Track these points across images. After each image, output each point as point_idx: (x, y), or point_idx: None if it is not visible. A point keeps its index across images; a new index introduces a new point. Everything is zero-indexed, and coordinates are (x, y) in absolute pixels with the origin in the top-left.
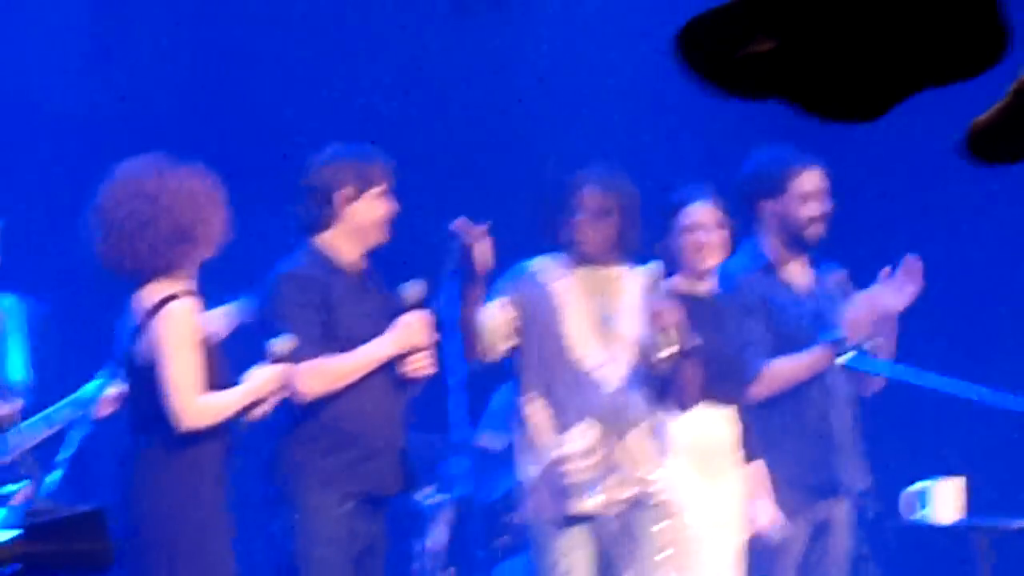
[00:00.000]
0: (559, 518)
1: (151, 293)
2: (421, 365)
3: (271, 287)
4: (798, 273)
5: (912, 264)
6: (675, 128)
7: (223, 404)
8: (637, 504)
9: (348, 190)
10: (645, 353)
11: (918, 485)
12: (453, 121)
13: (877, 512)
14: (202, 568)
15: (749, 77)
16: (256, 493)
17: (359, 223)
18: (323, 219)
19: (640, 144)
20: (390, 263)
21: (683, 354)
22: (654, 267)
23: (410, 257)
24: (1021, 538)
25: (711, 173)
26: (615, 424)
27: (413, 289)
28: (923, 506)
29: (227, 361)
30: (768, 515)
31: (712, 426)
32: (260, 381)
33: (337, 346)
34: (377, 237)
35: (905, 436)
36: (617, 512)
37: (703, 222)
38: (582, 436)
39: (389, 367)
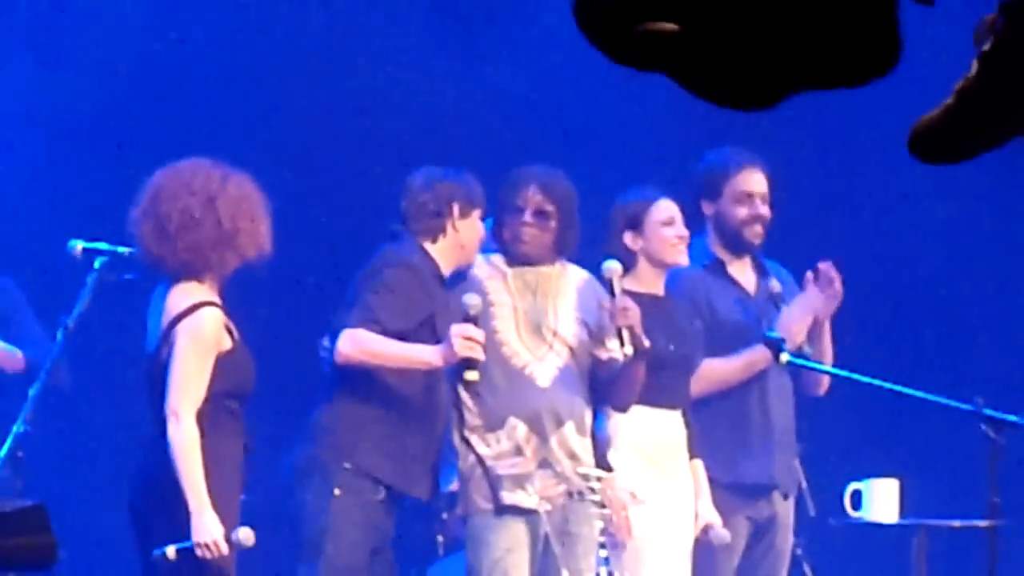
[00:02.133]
0: (492, 510)
1: (183, 293)
2: (477, 375)
3: (388, 262)
4: (742, 273)
5: (827, 270)
6: (631, 127)
7: (188, 434)
8: (574, 501)
9: (460, 207)
10: (586, 350)
11: (855, 485)
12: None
13: (815, 511)
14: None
15: (643, 50)
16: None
17: (462, 240)
18: (433, 230)
19: (596, 145)
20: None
21: (636, 355)
22: (612, 265)
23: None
24: (957, 537)
25: (665, 174)
26: (547, 421)
27: (473, 300)
28: (860, 506)
29: (251, 363)
30: (707, 515)
31: (663, 427)
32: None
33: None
34: (469, 257)
35: (842, 436)
36: (553, 508)
37: (677, 217)
38: (511, 433)
39: (451, 375)
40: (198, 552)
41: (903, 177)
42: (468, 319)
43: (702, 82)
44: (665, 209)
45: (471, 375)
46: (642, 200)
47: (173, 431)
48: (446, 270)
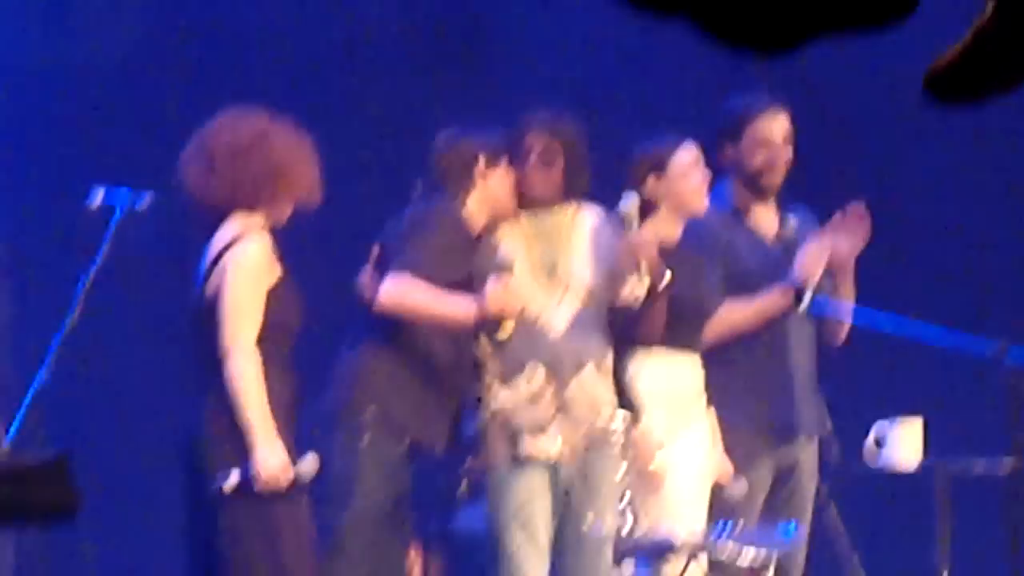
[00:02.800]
0: (512, 460)
1: (230, 226)
2: (507, 334)
3: (430, 218)
4: (764, 219)
5: (857, 210)
6: (654, 73)
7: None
8: (594, 447)
9: (486, 158)
10: (604, 292)
11: (878, 428)
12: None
13: (839, 455)
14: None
15: None
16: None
17: (495, 192)
18: (463, 187)
19: (617, 90)
20: None
21: (653, 291)
22: (631, 202)
23: None
24: (980, 479)
25: (691, 119)
26: (564, 367)
27: (509, 257)
28: (883, 449)
29: (300, 298)
30: (721, 464)
31: (680, 371)
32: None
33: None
34: (506, 209)
35: (865, 379)
36: (573, 455)
37: (701, 160)
38: (528, 381)
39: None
40: (261, 486)
41: (924, 117)
42: (502, 271)
43: (722, 28)
44: (690, 152)
45: (505, 331)
46: (666, 144)
47: (232, 366)
48: (480, 226)
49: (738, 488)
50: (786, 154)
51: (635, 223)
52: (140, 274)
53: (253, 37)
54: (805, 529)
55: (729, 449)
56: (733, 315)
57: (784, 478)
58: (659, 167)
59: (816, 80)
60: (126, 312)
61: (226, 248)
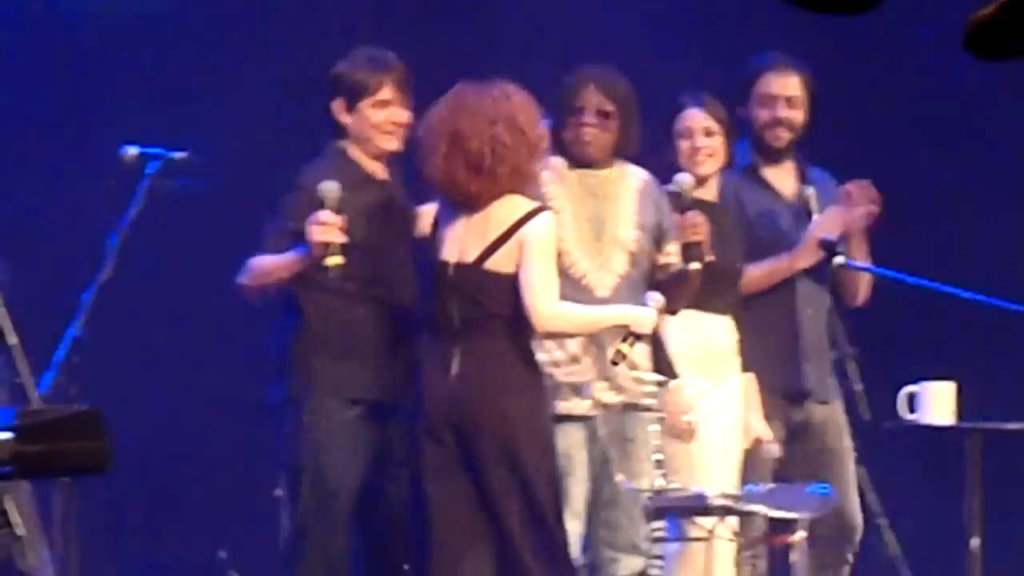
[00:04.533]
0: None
1: (510, 203)
2: (336, 261)
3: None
4: (780, 179)
5: (863, 183)
6: (681, 33)
7: (577, 317)
8: (631, 408)
9: (340, 101)
10: (646, 255)
11: (910, 388)
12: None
13: (871, 415)
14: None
15: None
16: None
17: (357, 133)
18: (334, 128)
19: (644, 49)
20: None
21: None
22: (684, 178)
23: None
24: (1012, 439)
25: (715, 78)
26: (605, 331)
27: (328, 187)
28: (915, 409)
29: None
30: (758, 429)
31: (713, 332)
32: (621, 314)
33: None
34: (382, 146)
35: (897, 339)
36: (610, 415)
37: (695, 128)
38: (567, 343)
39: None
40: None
41: (956, 74)
42: (323, 206)
43: None
44: (683, 119)
45: (332, 260)
46: (671, 109)
47: (553, 327)
48: (368, 164)
49: (769, 451)
50: (789, 113)
51: (688, 200)
52: (173, 227)
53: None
54: (844, 489)
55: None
56: (750, 276)
57: (797, 436)
58: (667, 132)
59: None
60: (160, 265)
61: (518, 224)
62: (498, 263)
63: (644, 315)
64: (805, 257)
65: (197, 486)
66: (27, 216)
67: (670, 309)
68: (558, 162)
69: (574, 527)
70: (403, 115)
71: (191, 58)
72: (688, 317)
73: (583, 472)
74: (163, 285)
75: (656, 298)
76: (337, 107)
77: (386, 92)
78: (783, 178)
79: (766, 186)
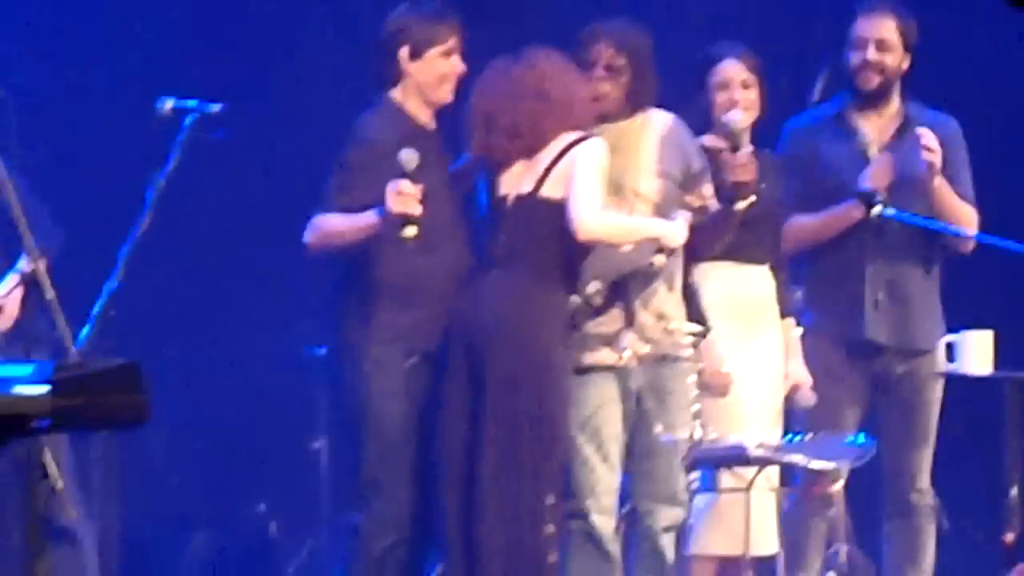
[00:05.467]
0: (576, 371)
1: (557, 140)
2: (414, 230)
3: (346, 142)
4: (874, 124)
5: (924, 136)
6: None
7: (617, 223)
8: (665, 358)
9: (407, 49)
10: (673, 202)
11: (948, 337)
12: None
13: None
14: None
15: None
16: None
17: (419, 82)
18: (389, 76)
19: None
20: None
21: (736, 209)
22: (736, 117)
23: None
24: None
25: (754, 31)
26: (631, 283)
27: (408, 156)
28: (953, 358)
29: None
30: (797, 375)
31: (749, 282)
32: (656, 226)
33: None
34: (440, 96)
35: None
36: (642, 366)
37: (733, 80)
38: (594, 295)
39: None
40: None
41: (998, 27)
42: (405, 175)
43: None
44: (720, 71)
45: (409, 231)
46: (704, 60)
47: (593, 231)
48: (419, 114)
49: (804, 399)
50: (879, 56)
51: (743, 138)
52: (211, 181)
53: None
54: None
55: (809, 361)
56: (802, 228)
57: (883, 388)
58: (699, 83)
59: None
60: (198, 219)
61: (566, 150)
62: (551, 189)
63: (675, 228)
64: (854, 209)
65: (235, 439)
66: (64, 169)
67: (708, 252)
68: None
69: (611, 479)
70: (462, 65)
71: (229, 8)
72: (723, 268)
73: (618, 426)
74: (200, 239)
75: (684, 214)
76: (403, 54)
77: (452, 41)
78: (878, 122)
79: (851, 132)
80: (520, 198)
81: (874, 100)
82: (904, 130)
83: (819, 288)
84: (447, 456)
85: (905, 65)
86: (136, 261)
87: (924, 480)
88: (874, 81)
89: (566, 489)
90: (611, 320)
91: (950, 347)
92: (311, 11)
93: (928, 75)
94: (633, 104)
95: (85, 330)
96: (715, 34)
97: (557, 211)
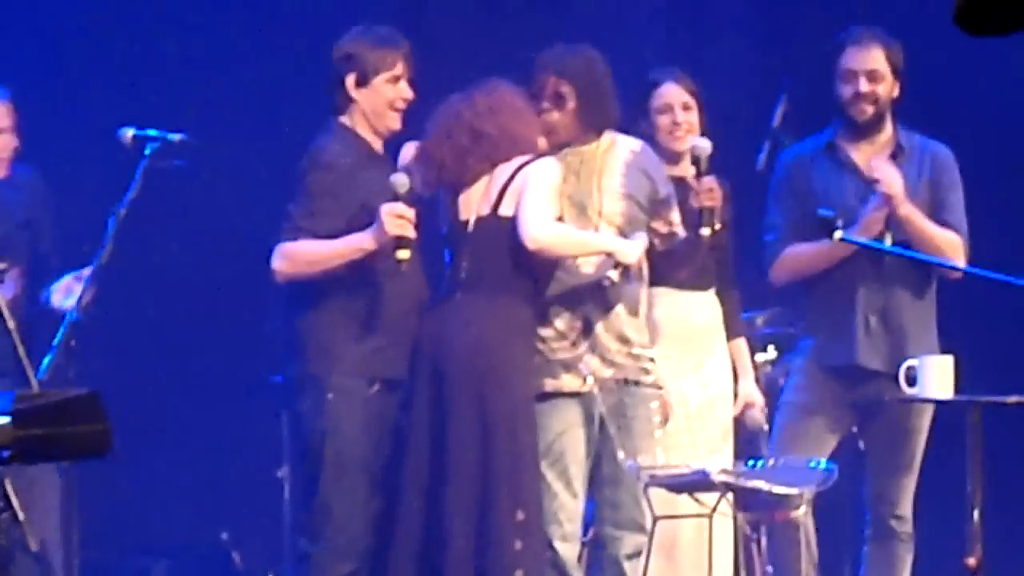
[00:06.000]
0: (536, 394)
1: (510, 162)
2: (408, 254)
3: (304, 167)
4: (867, 155)
5: (877, 169)
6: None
7: (569, 234)
8: (627, 383)
9: (354, 76)
10: (637, 227)
11: (909, 362)
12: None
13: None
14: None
15: None
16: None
17: (366, 109)
18: (337, 103)
19: (659, 25)
20: None
21: (702, 236)
22: (702, 143)
23: None
24: (1012, 413)
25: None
26: (592, 307)
27: (401, 179)
28: (914, 383)
29: None
30: (748, 395)
31: (694, 309)
32: (609, 241)
33: (358, 225)
34: (387, 124)
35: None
36: (604, 391)
37: (674, 102)
38: (554, 320)
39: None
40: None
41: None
42: (397, 198)
43: None
44: (661, 95)
45: (403, 254)
46: (643, 85)
47: (543, 242)
48: (371, 139)
49: (753, 419)
50: (871, 87)
51: (705, 166)
52: (171, 210)
53: None
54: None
55: (803, 387)
56: (795, 258)
57: (870, 415)
58: (642, 108)
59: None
60: (158, 247)
61: (518, 170)
62: (508, 208)
63: (630, 245)
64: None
65: (198, 467)
66: None
67: (674, 278)
68: (541, 143)
69: (574, 506)
70: (410, 92)
71: (189, 39)
72: (666, 295)
73: (581, 451)
74: (161, 267)
75: (640, 235)
76: (350, 82)
77: (399, 68)
78: (869, 152)
79: (842, 162)
80: (479, 220)
81: (867, 130)
82: (896, 158)
83: (815, 315)
84: (410, 478)
85: (896, 92)
86: (97, 289)
87: (906, 507)
88: (868, 112)
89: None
90: (571, 346)
91: (912, 371)
92: (275, 37)
93: (921, 102)
94: (589, 128)
95: (46, 360)
96: (674, 63)
97: (515, 229)
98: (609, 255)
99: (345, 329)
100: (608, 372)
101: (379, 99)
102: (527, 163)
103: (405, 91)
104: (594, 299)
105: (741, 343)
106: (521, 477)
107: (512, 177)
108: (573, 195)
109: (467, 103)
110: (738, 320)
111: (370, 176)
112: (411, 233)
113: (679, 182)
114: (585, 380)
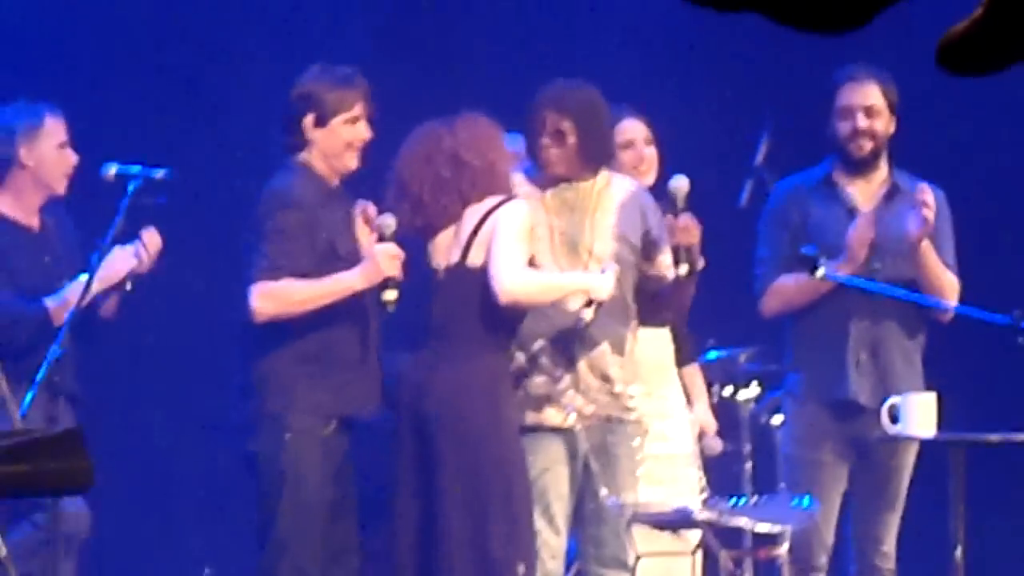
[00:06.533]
0: (519, 428)
1: (479, 205)
2: (395, 294)
3: (270, 207)
4: (863, 191)
5: (922, 191)
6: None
7: (540, 282)
8: (611, 420)
9: (311, 116)
10: (628, 267)
11: (893, 400)
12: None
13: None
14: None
15: None
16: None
17: (324, 149)
18: (295, 143)
19: (640, 62)
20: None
21: (689, 274)
22: (678, 182)
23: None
24: (995, 451)
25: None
26: (576, 344)
27: (388, 221)
28: (897, 420)
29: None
30: (702, 420)
31: (651, 345)
32: (580, 280)
33: (325, 263)
34: (344, 163)
35: None
36: (588, 428)
37: (637, 138)
38: (538, 354)
39: (366, 292)
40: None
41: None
42: (384, 239)
43: (790, 12)
44: (623, 131)
45: (390, 295)
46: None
47: (516, 294)
48: (330, 179)
49: (709, 446)
50: (869, 123)
51: (682, 205)
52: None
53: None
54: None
55: (802, 440)
56: (784, 291)
57: (865, 451)
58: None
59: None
60: (141, 283)
61: (487, 215)
62: (477, 256)
63: (601, 280)
64: (841, 268)
65: (181, 503)
66: None
67: (658, 318)
68: (536, 178)
69: (557, 543)
70: (368, 132)
71: (172, 76)
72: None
73: (564, 488)
74: (144, 303)
75: (612, 266)
76: (308, 122)
77: (357, 109)
78: (865, 189)
79: (837, 197)
80: (449, 270)
81: (864, 166)
82: (892, 195)
83: (803, 349)
84: (400, 534)
85: (891, 129)
86: (79, 326)
87: (890, 543)
88: (867, 148)
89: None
90: (555, 380)
91: (894, 409)
92: (247, 75)
93: (914, 145)
94: (586, 164)
95: (28, 396)
96: (651, 94)
97: (484, 280)
98: (583, 293)
99: (302, 368)
100: (590, 409)
101: (337, 140)
102: (496, 207)
103: (363, 132)
104: (578, 336)
105: (693, 368)
106: (519, 523)
107: (481, 222)
108: (566, 231)
109: (448, 131)
110: (690, 347)
111: (332, 214)
112: (400, 273)
113: None
114: (568, 416)
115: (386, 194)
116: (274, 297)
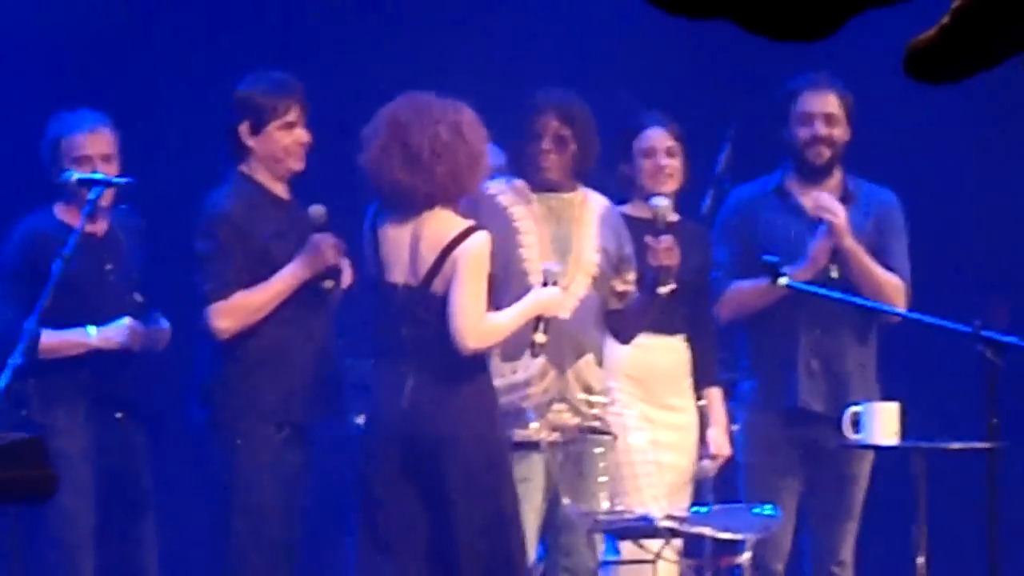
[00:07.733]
0: (508, 444)
1: (445, 221)
2: (333, 283)
3: (200, 227)
4: (815, 199)
5: (820, 198)
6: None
7: (501, 325)
8: (584, 432)
9: (247, 124)
10: (605, 280)
11: (855, 408)
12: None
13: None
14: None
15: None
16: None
17: (262, 156)
18: (234, 151)
19: (604, 68)
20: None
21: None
22: (661, 202)
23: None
24: (957, 459)
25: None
26: (566, 353)
27: (317, 211)
28: (860, 429)
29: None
30: (715, 444)
31: (658, 353)
32: (532, 303)
33: (267, 274)
34: (286, 168)
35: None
36: (565, 440)
37: (658, 147)
38: (527, 365)
39: (314, 295)
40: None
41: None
42: (319, 229)
43: (761, 18)
44: (646, 139)
45: (329, 283)
46: (629, 129)
47: (479, 344)
48: (273, 185)
49: (702, 469)
50: (828, 130)
51: (663, 224)
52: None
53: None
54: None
55: (750, 431)
56: (737, 296)
57: (818, 459)
58: (623, 152)
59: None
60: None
61: (453, 244)
62: (439, 285)
63: (551, 297)
64: (799, 274)
65: (171, 520)
66: None
67: (626, 336)
68: (520, 184)
69: (527, 554)
70: (306, 136)
71: (128, 82)
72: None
73: (539, 499)
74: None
75: (552, 270)
76: (243, 130)
77: (292, 114)
78: (813, 197)
79: (792, 205)
80: (410, 290)
81: (819, 174)
82: (845, 202)
83: (756, 358)
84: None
85: (847, 137)
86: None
87: (846, 553)
88: (825, 155)
89: None
90: (540, 394)
91: (857, 417)
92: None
93: (861, 148)
94: (576, 175)
95: None
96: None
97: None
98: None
99: (254, 375)
100: (574, 420)
101: (274, 146)
102: (458, 239)
103: (301, 136)
104: (566, 346)
105: (716, 392)
106: (522, 552)
107: (442, 258)
108: (554, 240)
109: (451, 104)
110: (711, 368)
111: (266, 221)
112: (339, 261)
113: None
114: (551, 432)
115: (365, 137)
116: (232, 313)
